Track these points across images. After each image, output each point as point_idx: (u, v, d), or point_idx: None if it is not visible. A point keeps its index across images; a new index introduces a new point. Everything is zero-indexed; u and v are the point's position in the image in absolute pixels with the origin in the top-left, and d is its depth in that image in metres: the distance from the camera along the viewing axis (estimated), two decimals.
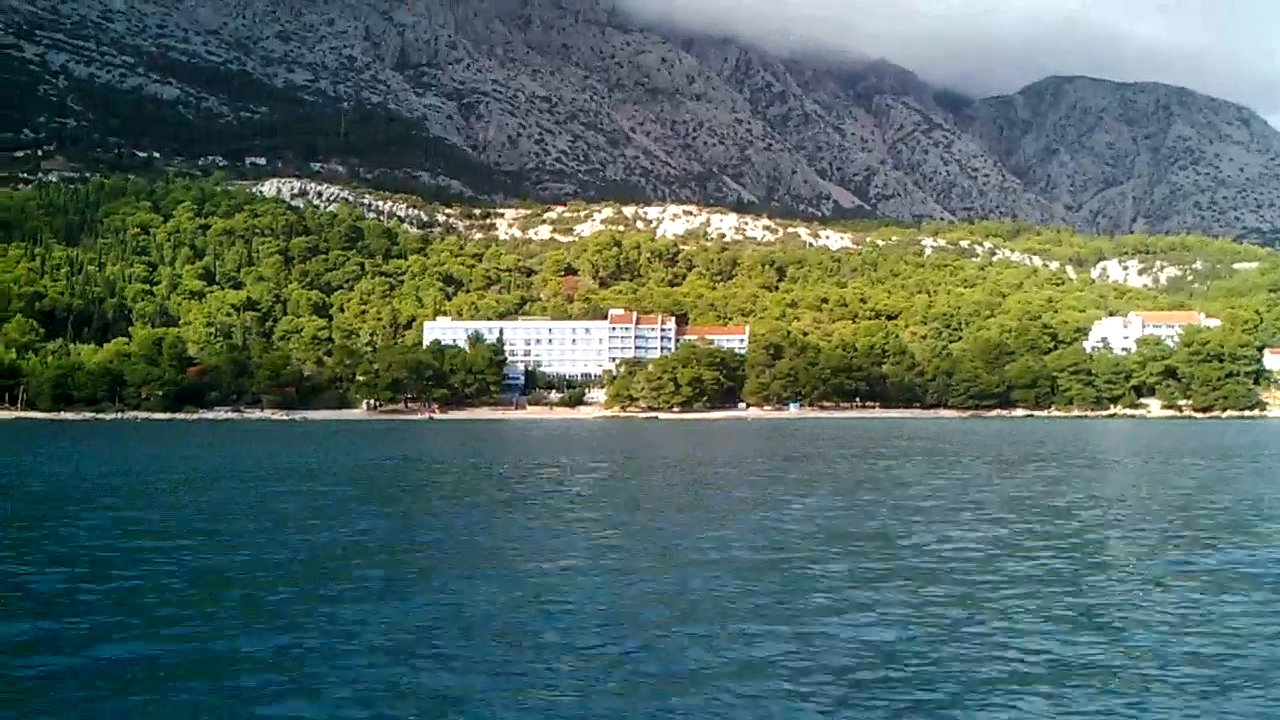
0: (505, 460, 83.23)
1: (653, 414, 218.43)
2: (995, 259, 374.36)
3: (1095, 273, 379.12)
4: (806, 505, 47.18)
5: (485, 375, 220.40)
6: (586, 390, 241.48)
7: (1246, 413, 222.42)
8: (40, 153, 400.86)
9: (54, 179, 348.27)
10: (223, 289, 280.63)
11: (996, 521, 41.46)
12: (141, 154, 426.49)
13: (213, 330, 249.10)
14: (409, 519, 43.59)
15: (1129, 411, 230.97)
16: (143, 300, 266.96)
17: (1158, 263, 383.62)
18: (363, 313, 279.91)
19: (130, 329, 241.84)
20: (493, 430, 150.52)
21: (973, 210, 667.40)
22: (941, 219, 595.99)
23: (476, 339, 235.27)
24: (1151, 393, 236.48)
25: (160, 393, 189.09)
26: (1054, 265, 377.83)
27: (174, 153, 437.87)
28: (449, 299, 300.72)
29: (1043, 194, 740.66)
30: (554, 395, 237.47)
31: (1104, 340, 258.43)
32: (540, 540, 36.80)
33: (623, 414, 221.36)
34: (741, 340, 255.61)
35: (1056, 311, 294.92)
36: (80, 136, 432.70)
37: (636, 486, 60.57)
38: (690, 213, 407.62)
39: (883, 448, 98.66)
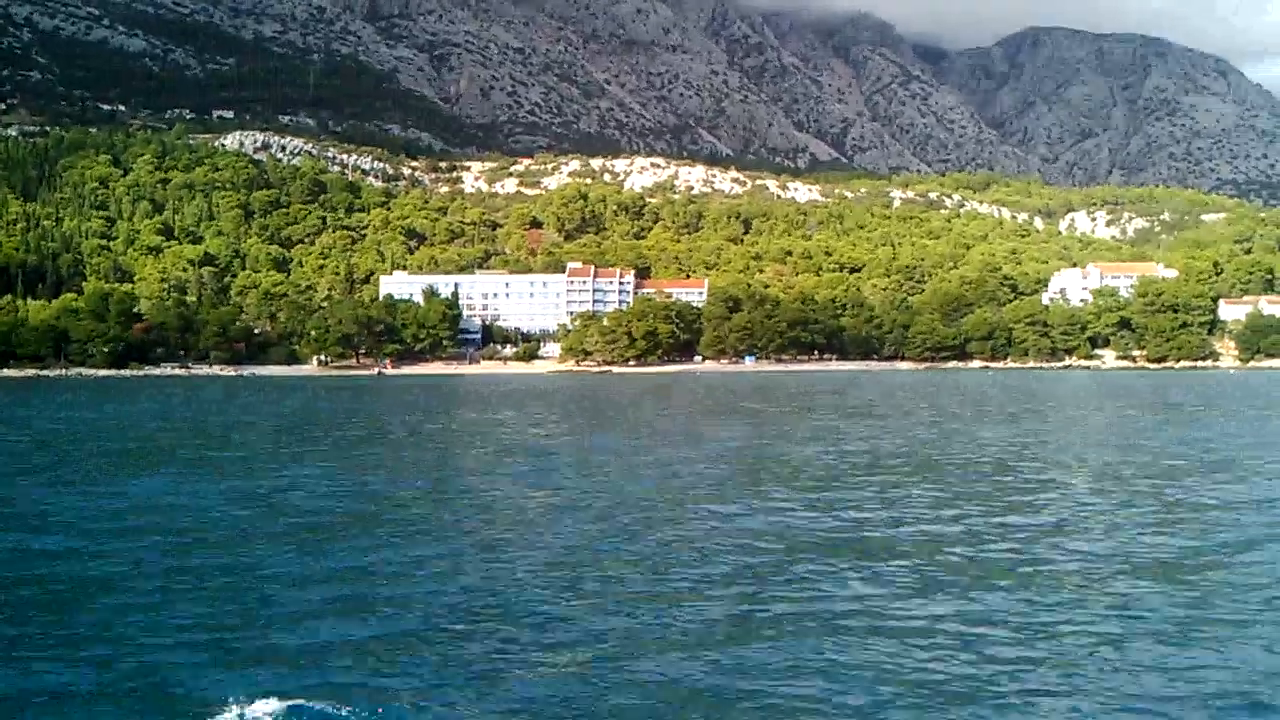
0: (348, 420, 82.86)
1: (607, 368, 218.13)
2: (963, 211, 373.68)
3: (1063, 225, 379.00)
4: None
5: (438, 330, 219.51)
6: (542, 344, 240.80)
7: (1199, 364, 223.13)
8: (4, 106, 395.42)
9: (14, 133, 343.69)
10: (181, 244, 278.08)
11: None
12: (106, 107, 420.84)
13: (167, 286, 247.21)
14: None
15: (1084, 363, 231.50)
16: (99, 256, 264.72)
17: (1125, 214, 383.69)
18: (320, 268, 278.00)
19: (85, 285, 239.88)
20: (428, 386, 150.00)
21: (948, 163, 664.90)
22: (918, 171, 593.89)
23: (431, 293, 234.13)
24: (1106, 344, 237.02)
25: (105, 349, 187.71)
26: (1023, 217, 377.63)
27: (140, 106, 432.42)
28: (411, 253, 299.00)
29: (1020, 146, 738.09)
30: (508, 350, 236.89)
31: (1062, 291, 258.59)
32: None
33: (577, 368, 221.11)
34: (700, 293, 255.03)
35: (1019, 263, 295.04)
36: (44, 90, 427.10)
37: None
38: (658, 165, 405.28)
39: (783, 403, 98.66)
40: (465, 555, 26.56)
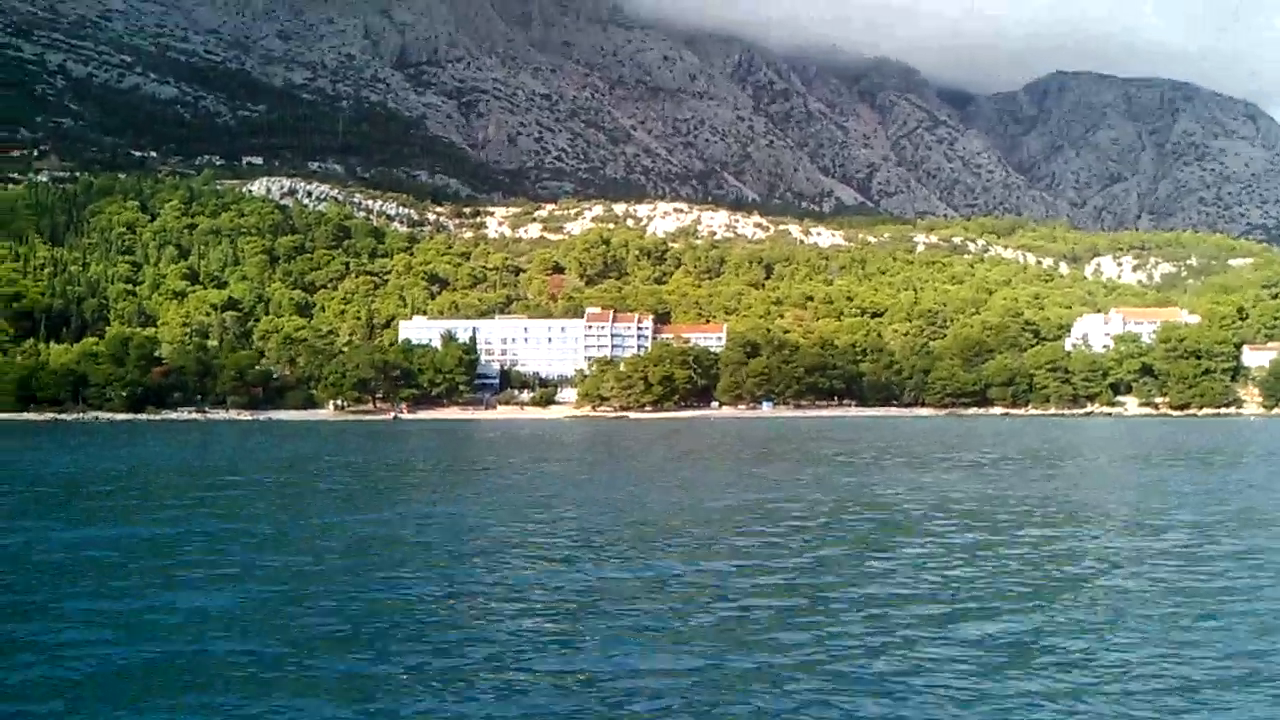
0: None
1: (623, 413, 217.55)
2: (987, 256, 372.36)
3: (1089, 269, 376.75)
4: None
5: (454, 375, 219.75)
6: (559, 389, 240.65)
7: (1223, 410, 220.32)
8: (36, 152, 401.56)
9: (44, 178, 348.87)
10: (205, 288, 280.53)
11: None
12: (137, 154, 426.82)
13: (189, 330, 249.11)
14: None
15: (1106, 409, 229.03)
16: (124, 300, 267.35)
17: (1152, 259, 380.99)
18: (342, 312, 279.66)
19: (108, 329, 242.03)
20: (442, 431, 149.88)
21: (976, 207, 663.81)
22: (944, 216, 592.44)
23: (449, 338, 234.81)
24: (1129, 390, 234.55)
25: (123, 394, 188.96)
26: (1048, 262, 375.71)
27: (171, 152, 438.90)
28: (433, 298, 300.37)
29: (1047, 190, 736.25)
30: (525, 395, 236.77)
31: (1084, 337, 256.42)
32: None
33: (593, 413, 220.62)
34: (719, 338, 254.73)
35: (1042, 308, 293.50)
36: (76, 135, 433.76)
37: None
38: (681, 210, 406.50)
39: (779, 452, 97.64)
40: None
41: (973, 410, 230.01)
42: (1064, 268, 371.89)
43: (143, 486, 61.67)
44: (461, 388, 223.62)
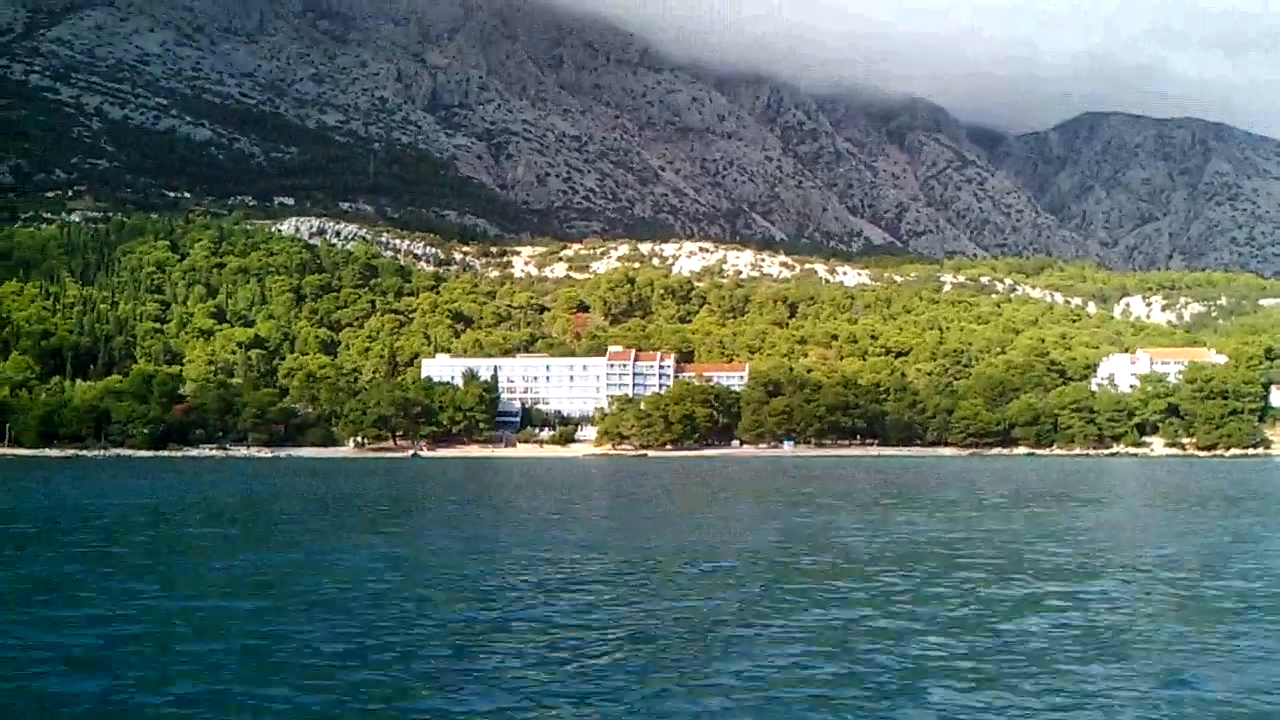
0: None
1: (643, 452, 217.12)
2: (1014, 295, 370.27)
3: (1118, 309, 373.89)
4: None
5: (474, 413, 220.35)
6: (580, 428, 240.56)
7: (1250, 451, 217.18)
8: (70, 193, 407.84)
9: (77, 218, 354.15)
10: (232, 326, 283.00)
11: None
12: (171, 194, 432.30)
13: (213, 368, 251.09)
14: None
15: (1131, 450, 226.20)
16: (151, 338, 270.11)
17: (1182, 299, 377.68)
18: (366, 350, 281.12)
19: (133, 367, 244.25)
20: (461, 468, 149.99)
21: (1005, 247, 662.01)
22: (974, 256, 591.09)
23: (471, 376, 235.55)
24: (1155, 430, 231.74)
25: (145, 430, 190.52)
26: (1076, 301, 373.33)
27: (204, 193, 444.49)
28: (458, 336, 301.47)
29: (1078, 231, 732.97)
30: (545, 433, 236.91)
31: (1110, 377, 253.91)
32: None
33: (612, 451, 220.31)
34: (741, 377, 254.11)
35: (1069, 348, 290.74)
36: (111, 177, 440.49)
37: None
38: (707, 250, 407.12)
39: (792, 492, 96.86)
40: None
41: (996, 450, 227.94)
42: (1092, 307, 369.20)
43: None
44: (481, 425, 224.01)
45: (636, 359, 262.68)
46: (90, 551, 44.01)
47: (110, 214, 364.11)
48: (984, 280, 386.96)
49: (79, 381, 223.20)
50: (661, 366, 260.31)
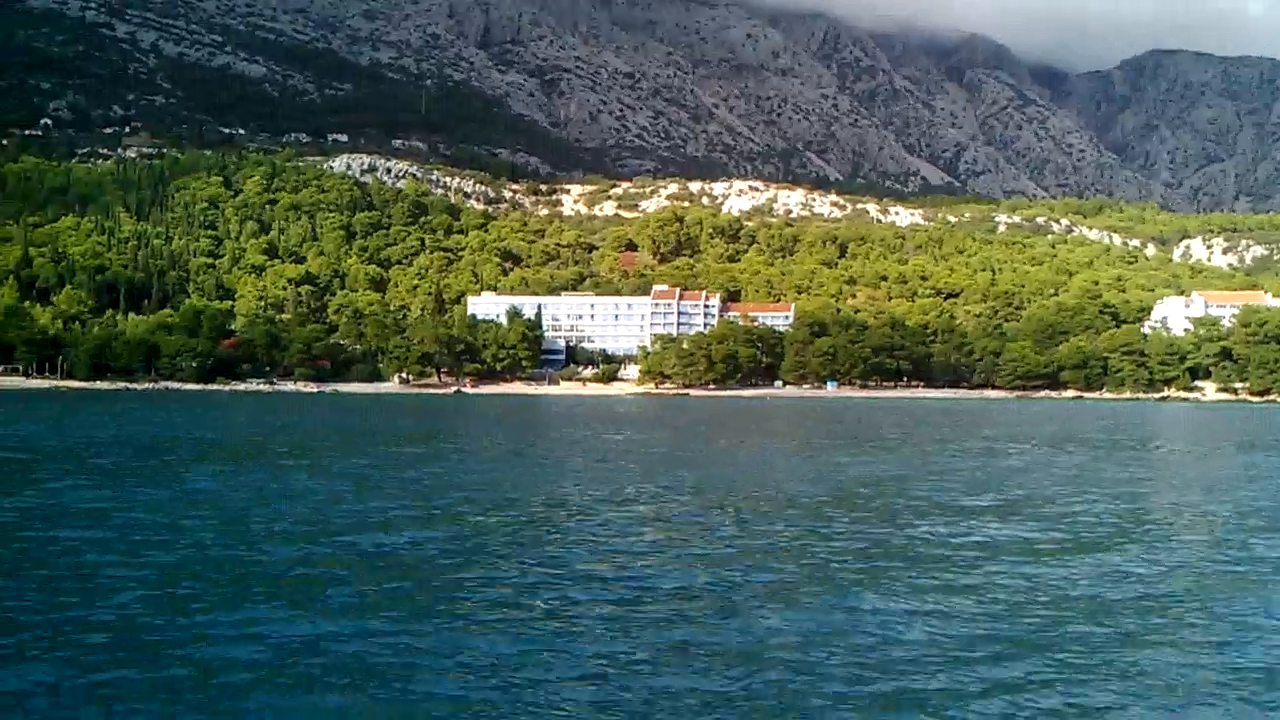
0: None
1: (684, 391, 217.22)
2: (1070, 236, 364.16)
3: (1178, 252, 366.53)
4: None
5: (517, 350, 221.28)
6: (623, 367, 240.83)
7: None
8: (127, 129, 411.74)
9: (133, 154, 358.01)
10: (283, 263, 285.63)
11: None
12: (226, 130, 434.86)
13: (263, 304, 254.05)
14: None
15: (1183, 394, 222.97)
16: (204, 274, 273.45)
17: (1244, 241, 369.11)
18: (415, 288, 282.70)
19: (186, 301, 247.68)
20: (482, 405, 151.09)
21: (1066, 188, 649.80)
22: (1033, 197, 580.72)
23: (515, 314, 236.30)
24: (1207, 375, 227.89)
25: (194, 364, 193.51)
26: (1134, 243, 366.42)
27: (258, 129, 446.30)
28: (505, 274, 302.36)
29: (1141, 171, 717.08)
30: (587, 371, 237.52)
31: (1163, 320, 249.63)
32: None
33: (654, 390, 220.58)
34: (787, 317, 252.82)
35: (1123, 290, 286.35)
36: (167, 113, 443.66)
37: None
38: (757, 189, 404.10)
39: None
40: None
41: (1043, 393, 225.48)
42: (1151, 250, 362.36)
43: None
44: (524, 363, 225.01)
45: (681, 298, 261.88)
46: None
47: (165, 150, 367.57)
48: (1039, 221, 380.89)
49: (131, 316, 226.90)
50: (706, 306, 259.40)
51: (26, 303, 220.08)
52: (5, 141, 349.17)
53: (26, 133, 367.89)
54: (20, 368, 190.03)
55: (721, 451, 67.14)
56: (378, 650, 18.38)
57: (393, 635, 19.33)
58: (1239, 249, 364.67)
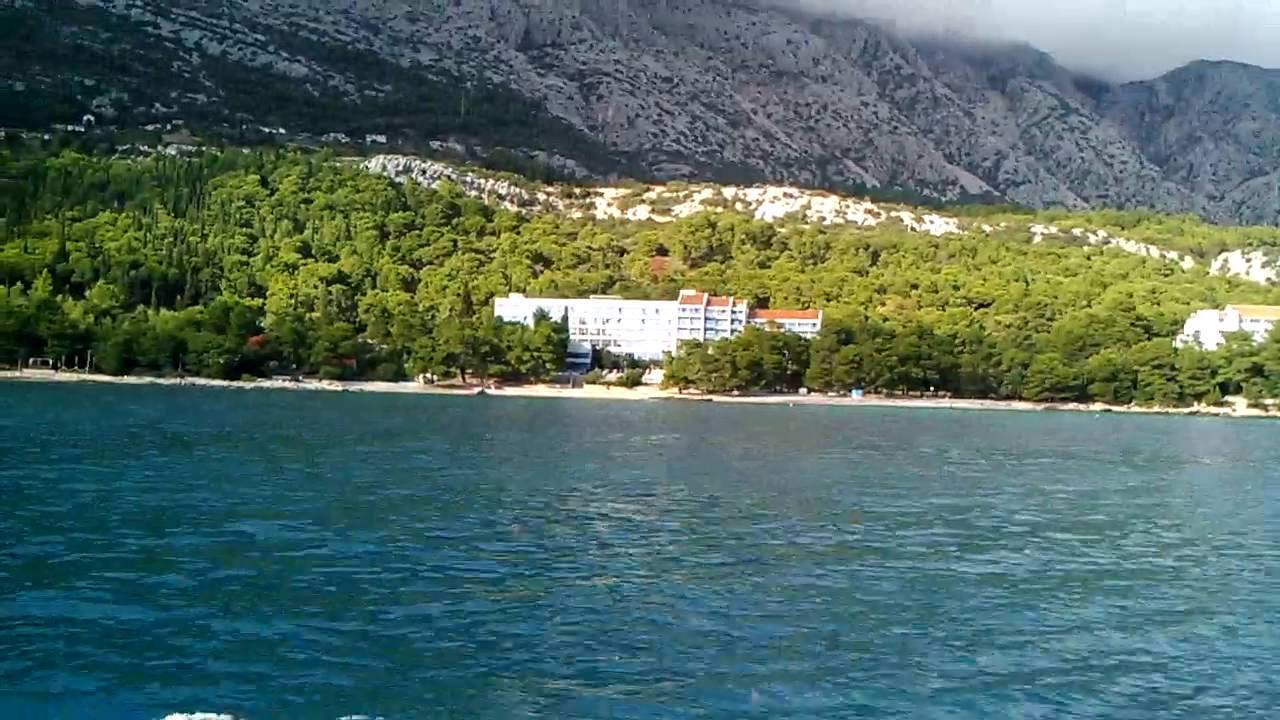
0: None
1: (708, 397, 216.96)
2: (1106, 248, 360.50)
3: (1216, 265, 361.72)
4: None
5: (542, 353, 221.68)
6: (649, 371, 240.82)
7: None
8: (169, 126, 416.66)
9: (173, 152, 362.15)
10: (316, 261, 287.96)
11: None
12: (266, 129, 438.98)
13: (294, 302, 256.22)
14: None
15: (1213, 409, 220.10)
16: (238, 271, 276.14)
17: None
18: (444, 288, 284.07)
19: (218, 298, 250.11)
20: (527, 407, 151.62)
21: (1107, 199, 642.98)
22: (1073, 207, 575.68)
23: (541, 316, 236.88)
24: (1238, 390, 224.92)
25: (220, 360, 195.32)
26: (1172, 256, 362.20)
27: (298, 129, 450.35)
28: (536, 276, 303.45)
29: (1184, 183, 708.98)
30: (611, 375, 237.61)
31: (1196, 334, 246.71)
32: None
33: (678, 396, 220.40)
34: (814, 324, 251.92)
35: (1157, 303, 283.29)
36: (209, 112, 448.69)
37: None
38: (791, 195, 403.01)
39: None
40: None
41: (1071, 406, 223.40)
42: (1189, 262, 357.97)
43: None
44: (549, 365, 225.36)
45: (709, 304, 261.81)
46: None
47: (205, 148, 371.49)
48: (1076, 232, 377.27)
49: (162, 311, 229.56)
50: (734, 311, 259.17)
51: (60, 297, 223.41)
52: (48, 137, 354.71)
53: (69, 129, 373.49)
54: (50, 360, 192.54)
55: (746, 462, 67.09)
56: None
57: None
58: (1279, 263, 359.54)
